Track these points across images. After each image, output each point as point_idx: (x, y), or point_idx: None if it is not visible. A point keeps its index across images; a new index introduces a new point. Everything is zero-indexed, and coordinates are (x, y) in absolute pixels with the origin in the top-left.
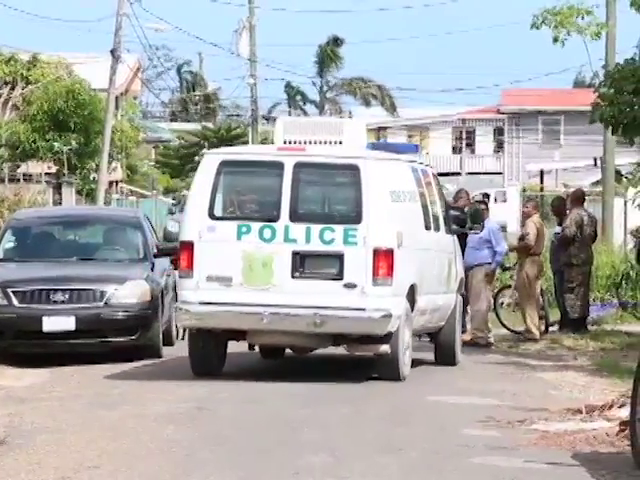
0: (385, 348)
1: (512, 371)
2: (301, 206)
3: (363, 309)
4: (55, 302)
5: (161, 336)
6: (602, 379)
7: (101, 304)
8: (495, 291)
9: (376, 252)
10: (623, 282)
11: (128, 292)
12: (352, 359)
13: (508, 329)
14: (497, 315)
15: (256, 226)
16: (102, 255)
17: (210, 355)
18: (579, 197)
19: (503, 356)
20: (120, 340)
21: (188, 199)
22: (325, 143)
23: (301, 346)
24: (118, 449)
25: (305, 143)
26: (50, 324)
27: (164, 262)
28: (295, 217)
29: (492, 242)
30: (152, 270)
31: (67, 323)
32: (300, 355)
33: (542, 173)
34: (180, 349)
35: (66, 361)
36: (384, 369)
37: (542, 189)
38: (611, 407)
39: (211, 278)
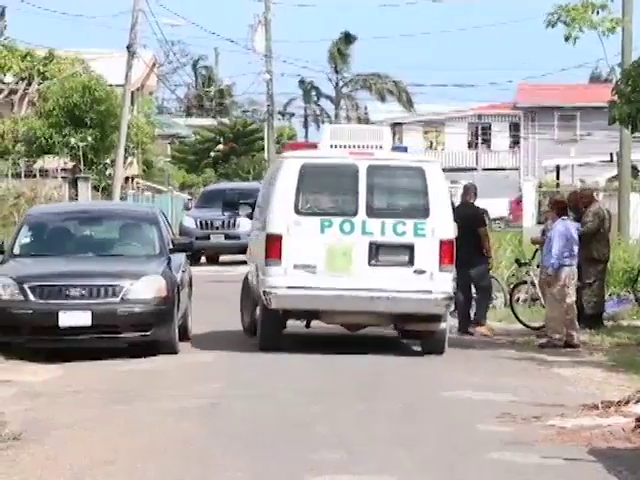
0: (443, 325)
1: (527, 367)
2: (376, 203)
3: (430, 292)
4: (71, 297)
5: (177, 331)
6: (618, 375)
7: (117, 299)
8: (511, 287)
9: (442, 243)
10: (639, 277)
11: (144, 287)
12: (365, 352)
13: (524, 324)
14: (513, 311)
15: (337, 221)
16: (118, 250)
17: (278, 333)
18: (591, 195)
19: (519, 352)
20: (136, 335)
21: (273, 197)
22: (369, 147)
23: (368, 324)
24: (133, 445)
25: (351, 147)
26: (66, 319)
27: (180, 257)
28: (371, 213)
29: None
30: (168, 265)
31: (83, 318)
32: (352, 332)
33: (558, 169)
34: (196, 344)
35: (82, 356)
36: (433, 345)
37: (558, 185)
38: (627, 403)
39: (297, 266)
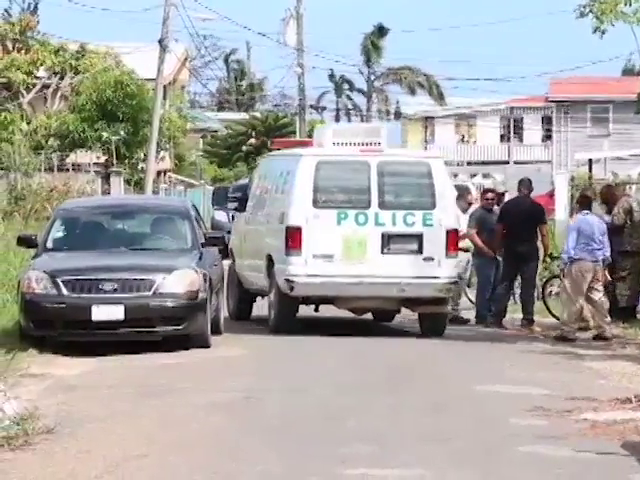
0: (448, 308)
1: (560, 360)
2: (387, 196)
3: (438, 277)
4: (104, 291)
5: (209, 325)
6: None
7: (149, 293)
8: (543, 280)
9: (448, 232)
10: None
11: (176, 281)
12: (390, 336)
13: (557, 318)
14: (545, 304)
15: (352, 213)
16: (150, 245)
17: (293, 317)
18: (619, 189)
19: (551, 345)
20: (168, 329)
21: (292, 192)
22: (368, 144)
23: (380, 308)
24: (166, 438)
25: (352, 144)
26: (99, 313)
27: (212, 251)
28: (383, 205)
29: None
30: (200, 259)
31: (116, 312)
32: (357, 316)
33: (590, 162)
34: (227, 338)
35: (115, 350)
36: (435, 326)
37: (591, 178)
38: None
39: (316, 256)
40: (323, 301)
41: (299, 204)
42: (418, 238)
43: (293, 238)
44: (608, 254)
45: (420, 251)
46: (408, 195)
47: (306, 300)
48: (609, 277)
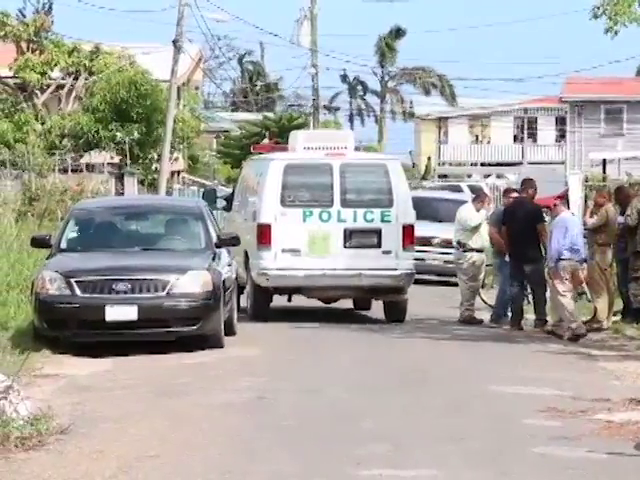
0: (406, 297)
1: (574, 361)
2: (348, 195)
3: (395, 269)
4: (118, 292)
5: (223, 326)
6: None
7: (163, 294)
8: None
9: (405, 227)
10: None
11: (190, 282)
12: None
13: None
14: None
15: (316, 211)
16: (164, 245)
17: (267, 307)
18: (632, 190)
19: (565, 346)
20: (182, 330)
21: (262, 192)
22: (336, 148)
23: (344, 297)
24: (180, 438)
25: (321, 149)
26: (113, 314)
27: (226, 252)
28: (344, 203)
29: None
30: (214, 260)
31: (130, 313)
32: (326, 304)
33: (604, 162)
34: (241, 338)
35: (128, 351)
36: (396, 313)
37: (605, 179)
38: None
39: (285, 250)
40: (292, 291)
41: (269, 203)
42: (377, 233)
43: (263, 234)
44: (585, 255)
45: (379, 245)
46: (368, 194)
47: (277, 291)
48: (582, 277)
